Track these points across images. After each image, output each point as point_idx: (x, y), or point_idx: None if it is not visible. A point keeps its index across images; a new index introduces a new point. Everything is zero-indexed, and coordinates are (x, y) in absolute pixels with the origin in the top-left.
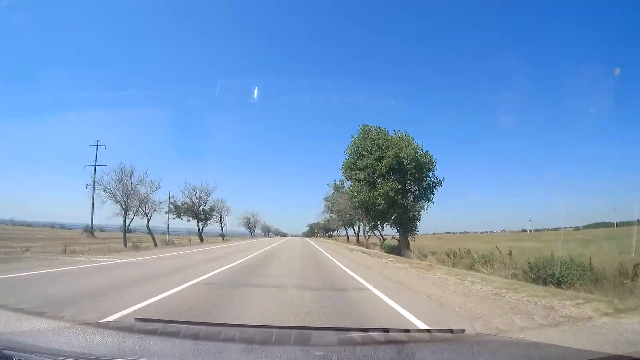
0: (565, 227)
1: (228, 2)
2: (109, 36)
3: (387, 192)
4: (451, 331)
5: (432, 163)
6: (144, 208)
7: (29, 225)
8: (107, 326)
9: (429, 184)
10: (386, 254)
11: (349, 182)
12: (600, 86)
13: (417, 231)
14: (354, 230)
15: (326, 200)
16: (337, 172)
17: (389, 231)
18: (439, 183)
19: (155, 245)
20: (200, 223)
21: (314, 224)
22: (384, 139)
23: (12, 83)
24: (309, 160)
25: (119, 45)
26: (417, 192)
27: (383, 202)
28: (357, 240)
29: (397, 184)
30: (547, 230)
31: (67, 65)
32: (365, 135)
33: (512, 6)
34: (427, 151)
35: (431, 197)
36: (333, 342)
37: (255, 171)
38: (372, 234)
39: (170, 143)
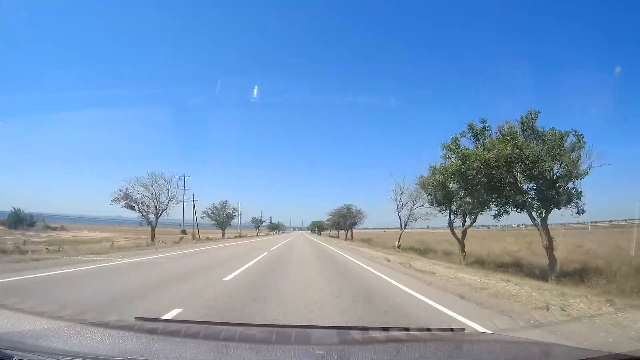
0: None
1: (229, 2)
2: (109, 37)
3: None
4: (451, 330)
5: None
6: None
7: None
8: (107, 325)
9: None
10: None
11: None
12: None
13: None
14: None
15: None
16: (337, 170)
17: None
18: None
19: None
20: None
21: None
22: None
23: (13, 83)
24: (310, 156)
25: (120, 45)
26: None
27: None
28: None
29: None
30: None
31: (69, 66)
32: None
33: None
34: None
35: None
36: (334, 341)
37: (254, 169)
38: None
39: (169, 140)
